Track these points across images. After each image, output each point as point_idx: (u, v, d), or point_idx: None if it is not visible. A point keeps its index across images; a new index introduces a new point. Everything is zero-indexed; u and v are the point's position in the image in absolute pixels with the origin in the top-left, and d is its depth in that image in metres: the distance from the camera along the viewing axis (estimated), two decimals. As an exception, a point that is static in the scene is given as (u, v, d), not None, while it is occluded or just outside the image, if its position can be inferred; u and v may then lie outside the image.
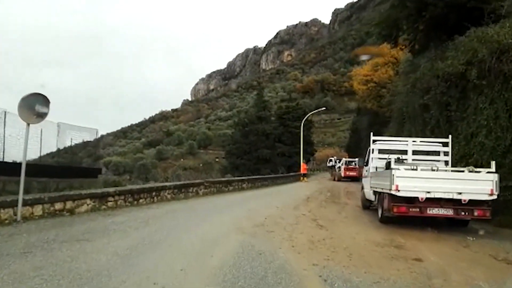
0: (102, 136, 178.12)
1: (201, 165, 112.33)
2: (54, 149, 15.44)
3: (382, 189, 9.80)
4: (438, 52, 15.79)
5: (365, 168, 13.53)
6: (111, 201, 10.68)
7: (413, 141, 11.68)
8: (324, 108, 45.04)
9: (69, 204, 9.31)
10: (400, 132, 20.47)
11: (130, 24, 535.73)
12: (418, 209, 8.85)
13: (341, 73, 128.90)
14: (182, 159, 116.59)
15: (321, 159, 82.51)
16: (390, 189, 8.82)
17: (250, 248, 6.53)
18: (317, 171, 66.44)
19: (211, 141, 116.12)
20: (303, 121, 48.32)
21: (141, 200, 12.11)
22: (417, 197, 8.77)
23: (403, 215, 9.06)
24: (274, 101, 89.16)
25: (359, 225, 9.97)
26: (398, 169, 9.06)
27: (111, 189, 11.45)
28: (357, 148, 51.57)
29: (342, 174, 36.77)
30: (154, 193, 12.90)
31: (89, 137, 13.07)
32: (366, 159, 13.71)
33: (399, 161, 11.26)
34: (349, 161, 38.97)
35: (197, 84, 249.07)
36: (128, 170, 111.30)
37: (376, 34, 22.42)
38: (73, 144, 11.01)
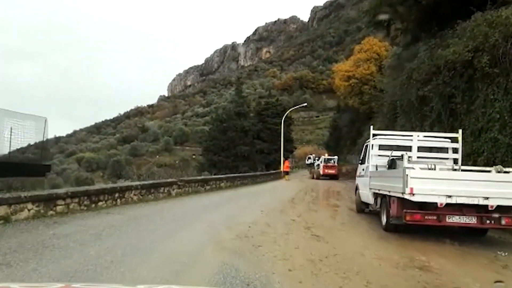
0: (75, 131, 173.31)
1: (177, 162, 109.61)
2: None
3: (389, 192, 8.18)
4: (437, 41, 14.36)
5: (361, 166, 11.91)
6: (61, 205, 8.70)
7: (419, 136, 10.11)
8: (305, 104, 43.72)
9: (3, 210, 7.33)
10: (390, 129, 19.08)
11: (105, 17, 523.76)
12: (435, 217, 7.27)
13: (319, 71, 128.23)
14: (157, 156, 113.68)
15: (299, 156, 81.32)
16: (403, 193, 7.20)
17: (233, 275, 4.78)
18: (296, 169, 65.11)
19: (188, 138, 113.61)
20: (283, 117, 46.70)
21: (100, 203, 10.15)
22: (435, 203, 7.20)
23: (416, 224, 7.48)
24: (252, 98, 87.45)
25: (361, 234, 8.34)
26: (413, 168, 7.46)
27: (61, 190, 9.45)
28: (337, 146, 50.47)
29: (321, 172, 36.12)
30: (117, 195, 10.94)
31: (35, 127, 10.76)
32: (361, 156, 12.12)
33: (402, 158, 9.72)
34: (328, 159, 38.53)
35: (173, 79, 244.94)
36: (101, 167, 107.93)
37: (366, 22, 20.88)
38: (12, 135, 8.91)
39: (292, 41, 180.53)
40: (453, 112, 12.21)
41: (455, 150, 9.95)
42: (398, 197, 7.65)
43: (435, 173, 7.53)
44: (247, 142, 51.98)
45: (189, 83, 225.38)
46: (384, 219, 8.68)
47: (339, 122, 47.91)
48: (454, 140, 10.07)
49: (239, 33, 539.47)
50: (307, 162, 58.45)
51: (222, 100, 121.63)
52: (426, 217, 7.30)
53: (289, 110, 52.92)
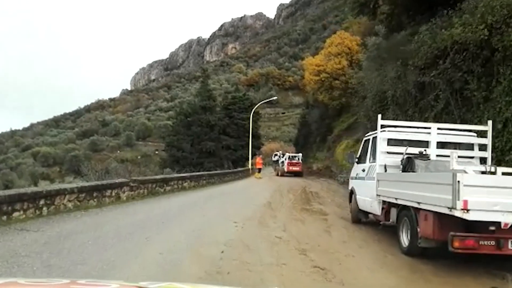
0: (32, 124, 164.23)
1: (139, 157, 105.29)
2: None
3: (419, 203, 5.81)
4: (438, 22, 12.24)
5: (359, 166, 9.48)
6: None
7: (439, 129, 7.80)
8: (275, 97, 41.34)
9: None
10: (374, 125, 16.97)
11: (65, 6, 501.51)
12: (494, 243, 4.98)
13: (285, 68, 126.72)
14: (118, 151, 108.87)
15: (265, 153, 79.28)
16: (452, 207, 4.85)
17: None
18: (263, 166, 62.88)
19: (151, 133, 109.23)
20: (252, 112, 44.27)
21: (16, 214, 7.27)
22: (496, 223, 4.91)
23: (466, 252, 5.15)
24: (218, 93, 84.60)
25: (379, 263, 5.91)
26: (466, 172, 5.12)
27: None
28: (306, 143, 48.57)
29: (286, 169, 35.59)
30: (42, 202, 8.04)
31: None
32: (359, 154, 9.75)
33: (422, 157, 7.43)
34: (292, 156, 38.48)
35: (137, 73, 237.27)
36: (58, 162, 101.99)
37: (350, 6, 18.66)
38: None
39: (258, 37, 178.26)
40: (466, 101, 10.09)
41: (482, 147, 7.76)
42: (437, 213, 5.31)
43: (497, 180, 5.23)
44: (213, 138, 49.24)
45: (153, 77, 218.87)
46: (405, 240, 6.32)
47: (308, 118, 45.98)
48: (482, 134, 7.89)
49: (204, 28, 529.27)
50: (273, 159, 56.44)
51: (187, 95, 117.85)
52: (481, 242, 4.98)
53: (258, 104, 50.52)
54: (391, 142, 7.91)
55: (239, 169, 32.94)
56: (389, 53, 17.40)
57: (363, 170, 8.85)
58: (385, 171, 7.75)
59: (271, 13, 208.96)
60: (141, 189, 12.43)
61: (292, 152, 64.57)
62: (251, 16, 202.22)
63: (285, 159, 38.32)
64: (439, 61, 11.04)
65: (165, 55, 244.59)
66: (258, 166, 29.96)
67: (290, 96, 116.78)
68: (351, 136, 34.06)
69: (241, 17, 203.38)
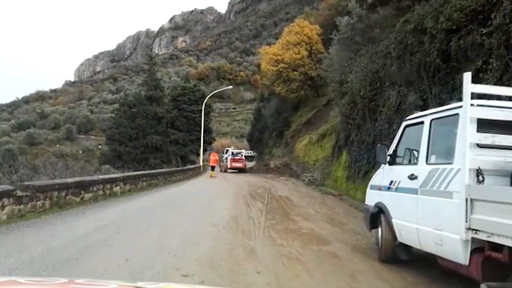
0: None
1: (80, 152, 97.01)
2: None
3: None
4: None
5: (394, 169, 5.48)
6: None
7: None
8: (230, 86, 37.06)
9: None
10: (362, 116, 13.46)
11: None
12: None
13: (237, 62, 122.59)
14: (57, 145, 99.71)
15: (216, 149, 75.06)
16: None
17: None
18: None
19: (94, 126, 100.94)
20: (204, 103, 39.91)
21: None
22: None
23: None
24: (167, 86, 78.99)
25: None
26: None
27: None
28: (262, 138, 44.80)
29: (228, 166, 35.68)
30: None
31: None
32: (394, 146, 5.74)
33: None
34: (236, 153, 38.54)
35: (81, 64, 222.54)
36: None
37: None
38: None
39: (209, 32, 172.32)
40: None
41: None
42: None
43: None
44: (159, 131, 44.25)
45: (98, 69, 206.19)
46: None
47: (264, 112, 42.22)
48: None
49: (154, 20, 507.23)
50: (225, 155, 52.50)
51: (133, 87, 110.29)
52: None
53: (211, 94, 46.14)
54: (483, 125, 4.09)
55: (189, 166, 28.47)
56: (380, 26, 13.91)
57: (412, 177, 4.96)
58: (481, 181, 3.92)
59: (222, 8, 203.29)
60: (39, 200, 7.86)
61: (245, 149, 61.19)
62: (202, 10, 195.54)
63: (228, 155, 37.94)
64: (482, 17, 7.47)
65: (112, 47, 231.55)
66: (212, 164, 25.52)
67: (241, 91, 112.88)
68: (312, 131, 30.70)
69: (192, 11, 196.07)
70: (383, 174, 5.77)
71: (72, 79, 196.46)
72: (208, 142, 51.32)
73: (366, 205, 6.41)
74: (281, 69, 36.75)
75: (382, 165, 5.88)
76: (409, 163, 5.26)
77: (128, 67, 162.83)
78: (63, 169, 23.61)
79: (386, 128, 11.00)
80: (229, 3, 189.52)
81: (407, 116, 5.78)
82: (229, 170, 35.19)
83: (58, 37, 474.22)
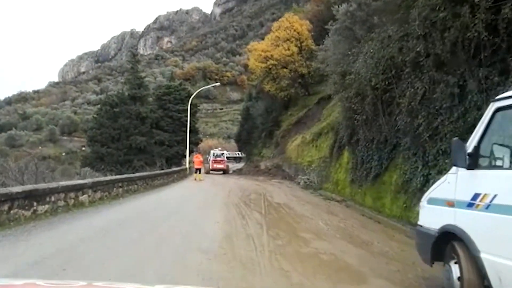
0: None
1: (64, 154, 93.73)
2: None
3: None
4: None
5: (490, 175, 3.56)
6: None
7: None
8: (218, 83, 35.00)
9: None
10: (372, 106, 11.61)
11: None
12: None
13: (223, 63, 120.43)
14: (40, 147, 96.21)
15: (204, 150, 72.91)
16: None
17: None
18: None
19: (77, 127, 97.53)
20: (190, 100, 37.85)
21: None
22: None
23: None
24: (152, 87, 76.40)
25: None
26: None
27: None
28: (250, 138, 42.79)
29: (210, 167, 35.48)
30: None
31: None
32: (479, 139, 3.68)
33: None
34: (218, 154, 38.45)
35: (65, 65, 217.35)
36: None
37: None
38: None
39: (195, 32, 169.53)
40: None
41: None
42: None
43: None
44: (143, 132, 41.92)
45: (82, 69, 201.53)
46: None
47: (252, 111, 40.21)
48: None
49: (138, 20, 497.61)
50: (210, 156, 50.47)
51: (118, 87, 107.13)
52: None
53: (198, 91, 44.00)
54: None
55: (174, 168, 26.23)
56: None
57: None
58: None
59: (207, 8, 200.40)
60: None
61: (232, 150, 59.63)
62: (187, 10, 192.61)
63: (211, 157, 37.90)
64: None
65: (96, 47, 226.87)
66: (197, 166, 23.24)
67: (228, 91, 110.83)
68: (304, 130, 28.85)
69: (177, 11, 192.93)
70: (458, 183, 3.81)
71: (56, 80, 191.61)
72: (195, 143, 49.13)
73: (422, 226, 4.43)
74: (270, 66, 34.86)
75: (453, 168, 3.93)
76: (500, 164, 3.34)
77: (113, 67, 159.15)
78: (38, 173, 21.31)
79: (407, 123, 9.12)
80: (215, 3, 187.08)
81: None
82: (211, 172, 34.90)
83: (41, 38, 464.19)
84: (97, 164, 41.24)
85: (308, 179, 19.86)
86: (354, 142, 13.66)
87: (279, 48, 34.68)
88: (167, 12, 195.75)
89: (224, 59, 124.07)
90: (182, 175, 24.99)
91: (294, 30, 35.19)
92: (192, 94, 49.96)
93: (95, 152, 41.28)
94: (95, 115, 47.83)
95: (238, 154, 61.96)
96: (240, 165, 46.87)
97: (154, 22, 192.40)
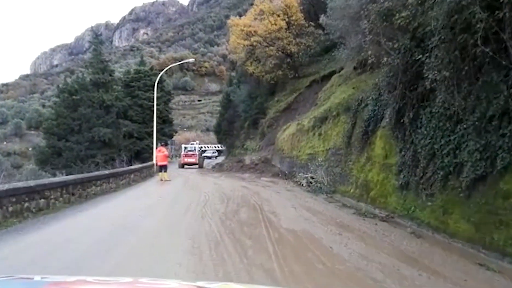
0: None
1: (30, 149, 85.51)
2: None
3: None
4: None
5: None
6: None
7: None
8: (192, 59, 28.59)
9: None
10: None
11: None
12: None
13: (201, 53, 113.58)
14: (5, 142, 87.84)
15: (180, 143, 66.74)
16: None
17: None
18: (177, 158, 50.12)
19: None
20: (158, 77, 31.80)
21: None
22: None
23: None
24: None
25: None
26: None
27: None
28: (232, 129, 36.90)
29: (181, 161, 33.71)
30: None
31: None
32: None
33: None
34: (189, 149, 35.57)
35: (38, 58, 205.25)
36: None
37: None
38: None
39: (172, 23, 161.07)
40: None
41: None
42: None
43: None
44: (108, 123, 35.60)
45: (55, 62, 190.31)
46: None
47: (234, 98, 34.29)
48: None
49: (113, 12, 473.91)
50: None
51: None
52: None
53: (167, 68, 37.86)
54: None
55: (138, 165, 20.05)
56: None
57: None
58: None
59: (184, 0, 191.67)
60: None
61: (212, 143, 55.82)
62: (164, 1, 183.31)
63: (182, 151, 35.84)
64: None
65: (70, 39, 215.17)
66: (161, 162, 17.18)
67: (206, 82, 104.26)
68: (296, 117, 23.35)
69: (153, 2, 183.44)
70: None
71: (28, 73, 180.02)
72: (169, 135, 42.93)
73: None
74: (254, 43, 29.05)
75: None
76: None
77: (87, 60, 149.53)
78: None
79: None
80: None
81: None
82: (186, 167, 32.71)
83: (13, 30, 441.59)
84: (54, 161, 34.82)
85: (312, 178, 14.31)
86: (408, 121, 8.12)
87: (264, 23, 28.90)
88: (143, 4, 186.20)
89: (202, 49, 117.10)
90: (146, 174, 18.99)
91: (282, 2, 29.40)
92: (164, 80, 43.76)
93: (51, 146, 34.71)
94: (52, 104, 40.96)
95: (218, 147, 55.98)
96: (220, 159, 41.07)
97: (130, 13, 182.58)
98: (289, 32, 29.25)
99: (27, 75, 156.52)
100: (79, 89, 35.49)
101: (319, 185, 13.24)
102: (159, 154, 17.32)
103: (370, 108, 11.04)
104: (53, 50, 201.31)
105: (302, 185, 14.36)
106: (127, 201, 10.46)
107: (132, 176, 15.41)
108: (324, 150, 15.08)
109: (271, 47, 29.05)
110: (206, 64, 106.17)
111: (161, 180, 16.58)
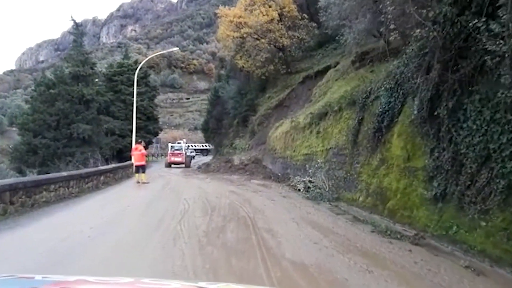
0: None
1: (11, 146, 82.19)
2: None
3: None
4: None
5: None
6: None
7: None
8: (176, 48, 26.59)
9: None
10: None
11: None
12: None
13: (190, 50, 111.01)
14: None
15: (167, 142, 64.31)
16: None
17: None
18: (162, 157, 47.83)
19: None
20: (139, 66, 29.67)
21: None
22: None
23: None
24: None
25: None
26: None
27: None
28: (220, 127, 34.78)
29: (168, 160, 32.44)
30: None
31: None
32: None
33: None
34: (176, 148, 34.10)
35: (23, 54, 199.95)
36: None
37: None
38: None
39: (160, 20, 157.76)
40: None
41: None
42: None
43: None
44: (88, 119, 33.16)
45: (41, 58, 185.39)
46: None
47: (223, 94, 32.15)
48: None
49: (101, 8, 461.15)
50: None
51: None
52: None
53: (149, 58, 35.68)
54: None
55: (111, 165, 17.57)
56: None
57: None
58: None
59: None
60: None
61: (199, 142, 54.03)
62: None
63: (169, 149, 34.54)
64: None
65: (56, 35, 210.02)
66: (138, 162, 14.79)
67: (194, 80, 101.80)
68: (289, 114, 21.46)
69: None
70: None
71: (13, 69, 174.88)
72: (154, 133, 40.57)
73: None
74: (244, 35, 27.02)
75: None
76: None
77: (67, 52, 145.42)
78: None
79: None
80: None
81: None
82: (173, 166, 31.65)
83: None
84: (29, 158, 32.28)
85: (311, 182, 12.36)
86: (446, 113, 6.20)
87: (256, 13, 26.90)
88: (131, 0, 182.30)
89: (191, 46, 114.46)
90: (122, 174, 16.78)
91: (275, -10, 27.44)
92: (149, 75, 41.53)
93: (26, 143, 32.11)
94: (29, 98, 38.30)
95: (206, 146, 53.68)
96: (207, 158, 38.89)
97: (118, 9, 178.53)
98: (282, 24, 27.32)
99: (11, 71, 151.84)
100: (57, 82, 32.97)
101: (319, 190, 11.28)
102: (135, 153, 15.11)
103: (383, 100, 9.15)
104: (39, 45, 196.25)
105: (299, 190, 12.39)
106: (84, 211, 8.31)
107: (102, 178, 13.21)
108: (324, 150, 13.14)
109: (263, 40, 27.07)
110: (195, 62, 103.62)
111: (138, 182, 14.43)
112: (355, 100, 11.35)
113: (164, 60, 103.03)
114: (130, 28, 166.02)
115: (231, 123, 31.00)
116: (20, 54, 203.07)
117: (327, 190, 11.18)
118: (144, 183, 14.40)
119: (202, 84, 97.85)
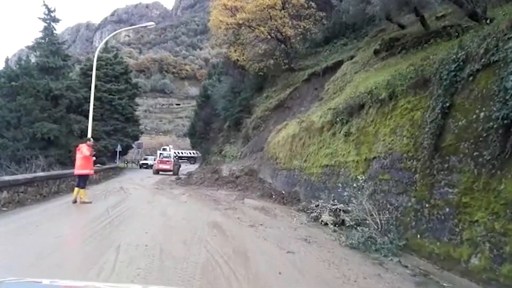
0: None
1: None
2: None
3: None
4: None
5: None
6: None
7: None
8: (152, 23, 22.29)
9: None
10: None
11: None
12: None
13: (182, 56, 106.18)
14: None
15: (153, 148, 58.99)
16: None
17: None
18: (133, 164, 42.44)
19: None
20: (102, 42, 24.94)
21: None
22: None
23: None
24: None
25: None
26: None
27: None
28: (208, 131, 29.70)
29: (156, 168, 30.58)
30: None
31: None
32: None
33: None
34: (164, 155, 32.49)
35: (14, 55, 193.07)
36: None
37: None
38: None
39: (154, 26, 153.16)
40: None
41: None
42: None
43: None
44: (56, 117, 28.02)
45: (33, 60, 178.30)
46: None
47: (214, 92, 27.17)
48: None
49: (95, 12, 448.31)
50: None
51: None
52: None
53: (112, 35, 30.51)
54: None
55: (39, 174, 12.17)
56: None
57: None
58: None
59: (169, 4, 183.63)
60: None
61: (186, 148, 49.81)
62: (148, 4, 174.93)
63: (158, 157, 33.48)
64: None
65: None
66: (79, 171, 9.75)
67: (186, 86, 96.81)
68: (291, 116, 16.67)
69: (137, 4, 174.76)
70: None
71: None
72: (133, 136, 35.25)
73: None
74: (240, 22, 22.25)
75: None
76: None
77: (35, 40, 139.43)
78: None
79: None
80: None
81: None
82: (160, 173, 29.39)
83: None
84: (-17, 162, 26.89)
85: (345, 212, 7.43)
86: None
87: (254, -2, 22.15)
88: (126, 6, 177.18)
89: (183, 52, 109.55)
90: (63, 186, 11.65)
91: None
92: (129, 71, 36.57)
93: (-20, 144, 26.73)
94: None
95: (193, 153, 48.39)
96: (193, 167, 33.73)
97: (112, 14, 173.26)
98: (285, 11, 22.62)
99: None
100: (20, 74, 27.83)
101: (366, 230, 6.34)
102: (80, 156, 10.09)
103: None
104: (30, 48, 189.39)
105: (326, 224, 7.43)
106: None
107: (8, 194, 8.04)
108: (361, 161, 8.28)
109: (262, 28, 22.30)
110: (187, 67, 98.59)
111: (74, 202, 9.38)
112: (426, 78, 6.55)
113: (156, 65, 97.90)
114: (123, 33, 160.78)
115: (221, 126, 26.02)
116: (11, 55, 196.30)
117: (379, 229, 6.28)
118: (84, 203, 9.35)
119: (194, 90, 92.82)
